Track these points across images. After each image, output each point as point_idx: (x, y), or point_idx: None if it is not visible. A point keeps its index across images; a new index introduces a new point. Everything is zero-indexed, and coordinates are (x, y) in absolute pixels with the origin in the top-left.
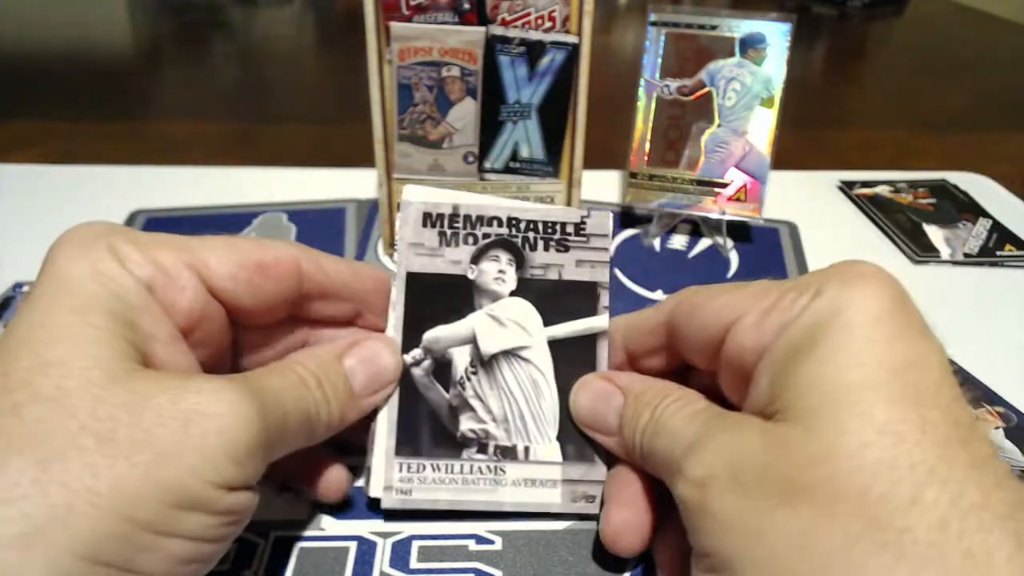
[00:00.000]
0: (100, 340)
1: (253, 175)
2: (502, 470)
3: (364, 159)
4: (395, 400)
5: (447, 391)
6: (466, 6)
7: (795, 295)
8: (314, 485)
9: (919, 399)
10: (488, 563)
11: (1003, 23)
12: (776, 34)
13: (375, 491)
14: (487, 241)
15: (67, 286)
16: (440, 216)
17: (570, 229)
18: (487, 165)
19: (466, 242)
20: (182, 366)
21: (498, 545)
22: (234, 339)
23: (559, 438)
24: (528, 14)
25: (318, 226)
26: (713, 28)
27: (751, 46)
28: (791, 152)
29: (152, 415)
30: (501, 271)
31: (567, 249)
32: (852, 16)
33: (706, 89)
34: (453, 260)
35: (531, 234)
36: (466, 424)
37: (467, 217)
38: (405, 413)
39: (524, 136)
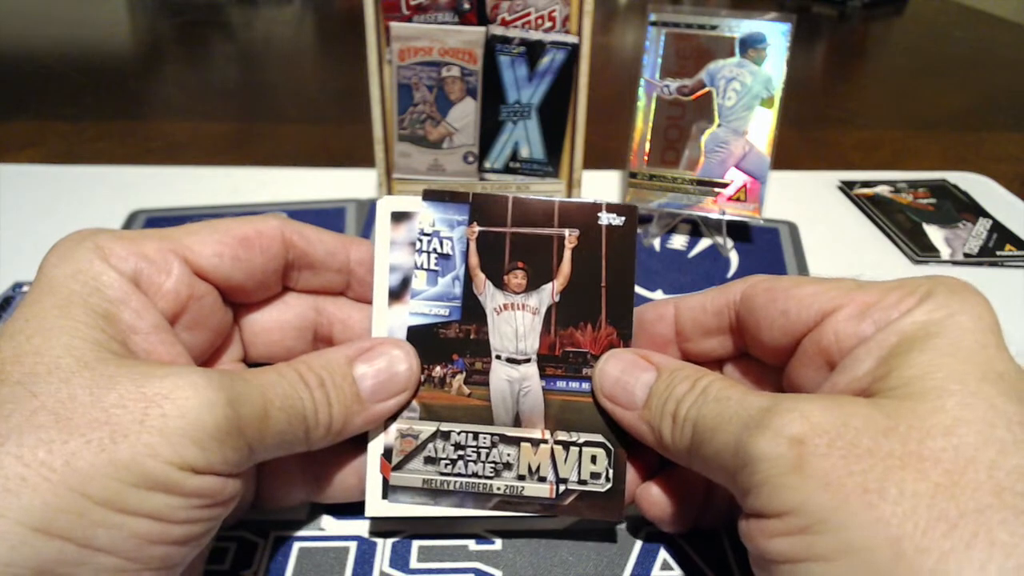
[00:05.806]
0: (76, 332)
1: (253, 175)
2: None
3: (364, 159)
4: None
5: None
6: (466, 6)
7: (900, 295)
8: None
9: None
10: (488, 563)
11: (1003, 23)
12: (776, 34)
13: (371, 509)
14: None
15: (51, 287)
16: None
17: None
18: (487, 165)
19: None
20: (166, 356)
21: (498, 545)
22: (236, 322)
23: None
24: (528, 14)
25: (318, 226)
26: (713, 28)
27: (751, 46)
28: (791, 152)
29: (115, 396)
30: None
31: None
32: (852, 16)
33: (706, 89)
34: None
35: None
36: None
37: None
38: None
39: (524, 136)
